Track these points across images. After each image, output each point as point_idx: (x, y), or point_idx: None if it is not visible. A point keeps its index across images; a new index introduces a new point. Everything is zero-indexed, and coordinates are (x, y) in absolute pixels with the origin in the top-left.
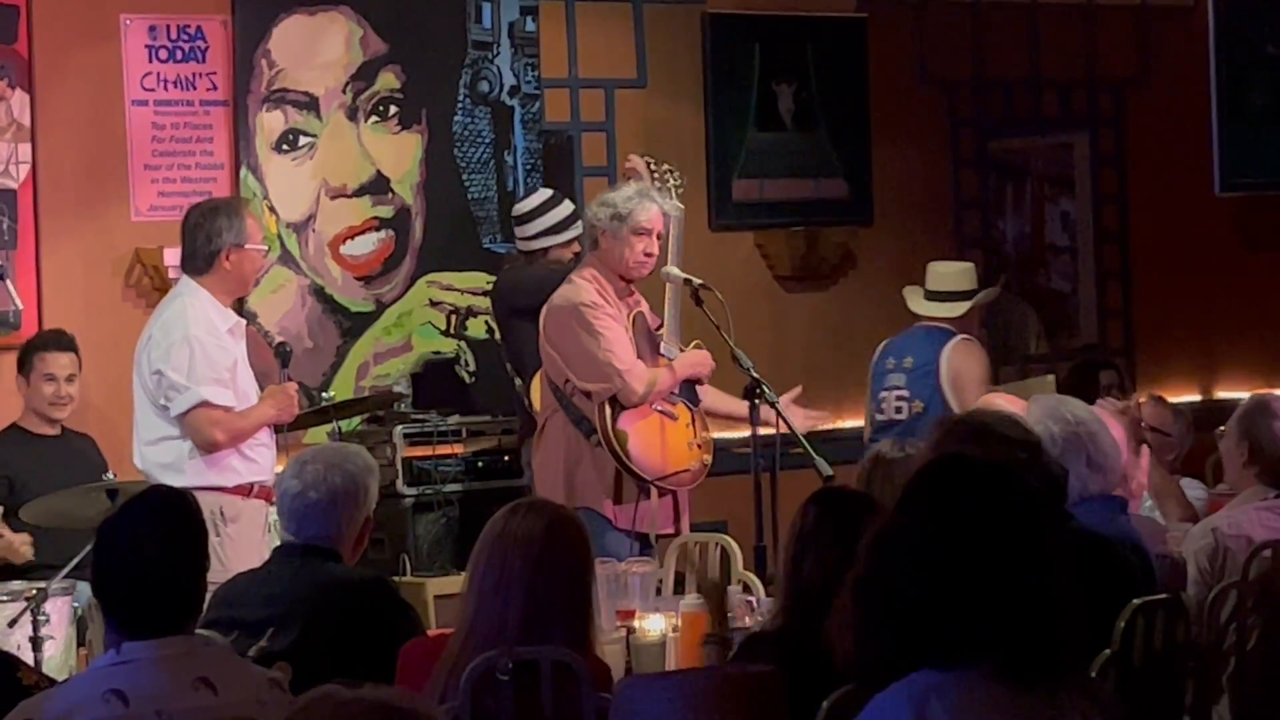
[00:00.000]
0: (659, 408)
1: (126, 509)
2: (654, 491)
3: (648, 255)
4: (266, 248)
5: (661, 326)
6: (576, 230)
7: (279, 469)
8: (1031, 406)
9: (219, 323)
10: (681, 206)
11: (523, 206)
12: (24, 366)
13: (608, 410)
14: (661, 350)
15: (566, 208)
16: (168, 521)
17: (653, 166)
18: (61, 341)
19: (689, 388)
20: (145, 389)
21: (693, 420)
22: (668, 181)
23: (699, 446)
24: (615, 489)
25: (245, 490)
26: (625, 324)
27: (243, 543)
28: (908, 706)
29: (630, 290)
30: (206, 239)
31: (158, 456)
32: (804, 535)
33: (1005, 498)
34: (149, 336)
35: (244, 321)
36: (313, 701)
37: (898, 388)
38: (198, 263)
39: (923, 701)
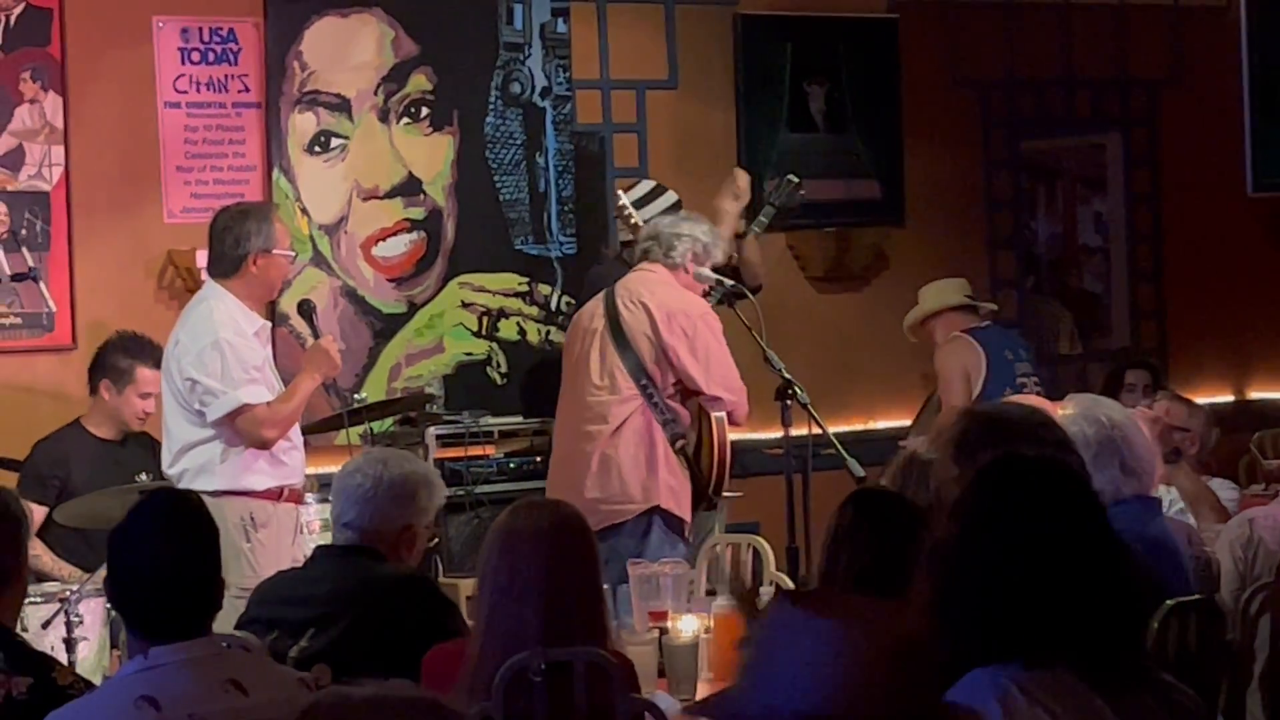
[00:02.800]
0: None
1: (134, 515)
2: (719, 505)
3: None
4: (294, 253)
5: None
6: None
7: (309, 471)
8: (1066, 407)
9: (245, 326)
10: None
11: (636, 193)
12: (117, 373)
13: (724, 423)
14: None
15: (673, 194)
16: (177, 523)
17: (785, 180)
18: (157, 356)
19: None
20: (176, 395)
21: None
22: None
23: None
24: (690, 495)
25: (275, 495)
26: None
27: (273, 548)
28: (990, 691)
29: None
30: (235, 243)
31: (187, 461)
32: (840, 535)
33: (1064, 497)
34: (176, 342)
35: (269, 325)
36: (322, 703)
37: (1033, 375)
38: (224, 266)
39: (1005, 690)
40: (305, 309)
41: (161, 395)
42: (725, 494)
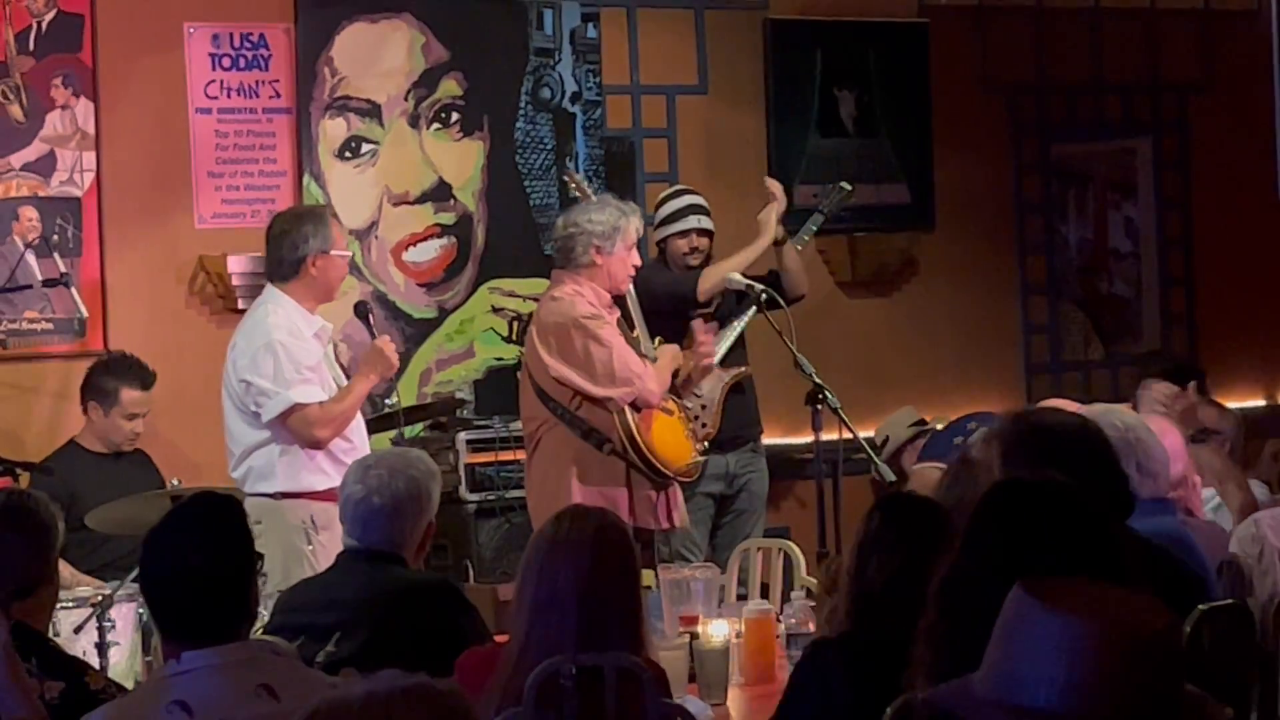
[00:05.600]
0: (662, 406)
1: (169, 518)
2: (675, 485)
3: (636, 265)
4: (350, 254)
5: (635, 331)
6: (691, 223)
7: None
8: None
9: (304, 328)
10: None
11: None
12: (102, 395)
13: (630, 415)
14: (642, 351)
15: (683, 200)
16: (210, 528)
17: (837, 188)
18: (147, 380)
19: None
20: (234, 398)
21: (682, 412)
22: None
23: (693, 435)
24: (628, 486)
25: (336, 496)
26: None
27: (335, 549)
28: None
29: (611, 302)
30: (292, 246)
31: (250, 463)
32: (867, 541)
33: (1069, 525)
34: (234, 345)
35: (330, 326)
36: (320, 709)
37: None
38: (283, 270)
39: None
40: (361, 310)
41: (223, 402)
42: (679, 479)
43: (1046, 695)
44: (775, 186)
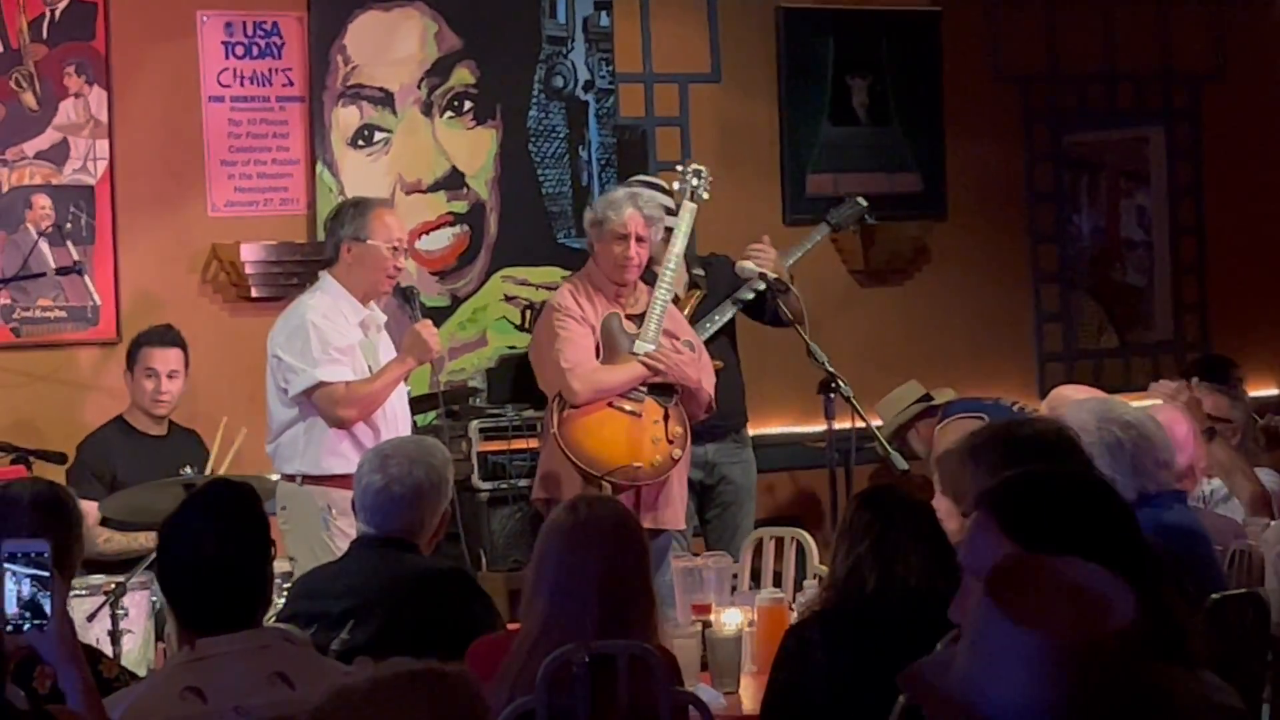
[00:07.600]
0: (618, 405)
1: (185, 506)
2: (605, 486)
3: (628, 259)
4: (395, 246)
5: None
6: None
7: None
8: (1081, 410)
9: (349, 314)
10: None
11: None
12: (130, 359)
13: (554, 410)
14: (634, 349)
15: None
16: (226, 516)
17: (853, 203)
18: (166, 337)
19: (664, 385)
20: (271, 375)
21: (665, 416)
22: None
23: (669, 442)
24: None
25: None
26: (595, 324)
27: (354, 536)
28: None
29: (620, 292)
30: (332, 231)
31: (280, 440)
32: (841, 530)
33: (1095, 511)
34: (275, 325)
35: (381, 316)
36: (325, 705)
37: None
38: (328, 255)
39: None
40: (409, 294)
41: (266, 381)
42: (606, 479)
43: (1014, 714)
44: (766, 255)
